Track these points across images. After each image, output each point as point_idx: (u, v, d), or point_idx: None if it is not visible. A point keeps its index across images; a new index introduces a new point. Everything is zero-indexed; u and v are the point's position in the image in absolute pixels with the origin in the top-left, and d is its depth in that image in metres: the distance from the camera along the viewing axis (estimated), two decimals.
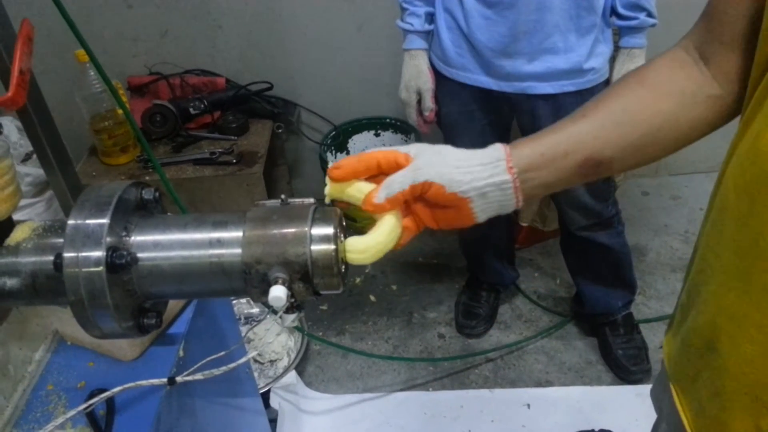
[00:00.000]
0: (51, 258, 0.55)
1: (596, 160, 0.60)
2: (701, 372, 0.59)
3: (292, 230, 0.54)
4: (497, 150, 0.59)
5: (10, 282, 0.58)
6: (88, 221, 0.54)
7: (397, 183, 0.58)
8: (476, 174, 0.57)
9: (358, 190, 0.60)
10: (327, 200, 0.61)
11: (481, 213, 0.59)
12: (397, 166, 0.59)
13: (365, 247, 0.57)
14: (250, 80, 2.12)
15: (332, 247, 0.54)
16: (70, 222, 0.54)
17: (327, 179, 0.61)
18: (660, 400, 0.75)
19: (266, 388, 1.64)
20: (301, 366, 1.84)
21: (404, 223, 0.61)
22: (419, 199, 0.60)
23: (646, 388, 1.70)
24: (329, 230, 0.54)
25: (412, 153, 0.59)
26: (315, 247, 0.54)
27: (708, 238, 0.58)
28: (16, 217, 0.62)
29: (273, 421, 1.57)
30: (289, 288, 0.53)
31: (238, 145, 1.96)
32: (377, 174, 0.60)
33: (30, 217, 0.62)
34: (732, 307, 0.53)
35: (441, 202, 0.58)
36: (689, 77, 0.61)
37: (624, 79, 0.64)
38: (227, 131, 2.00)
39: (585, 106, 0.62)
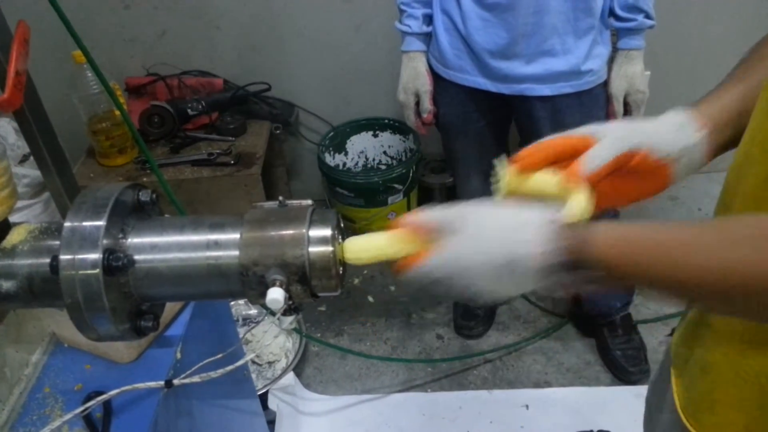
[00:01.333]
0: (47, 260, 0.55)
1: None
2: (694, 350, 0.61)
3: (290, 232, 0.54)
4: (681, 114, 0.60)
5: (7, 284, 0.57)
6: (84, 223, 0.54)
7: (602, 155, 0.57)
8: (674, 137, 0.58)
9: (543, 181, 0.59)
10: (501, 194, 0.60)
11: (678, 176, 0.60)
12: (573, 151, 0.59)
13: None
14: (248, 81, 2.11)
15: (330, 249, 0.54)
16: (67, 224, 0.54)
17: (502, 173, 0.59)
18: (661, 390, 0.76)
19: (264, 390, 1.64)
20: (299, 367, 1.84)
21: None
22: (614, 172, 0.59)
23: (644, 389, 1.69)
24: (327, 232, 0.54)
25: (591, 133, 0.59)
26: (313, 249, 0.54)
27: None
28: (12, 219, 0.61)
29: (271, 423, 1.57)
30: (287, 290, 0.53)
31: (236, 146, 1.96)
32: (554, 162, 0.60)
33: (27, 219, 0.62)
34: None
35: (645, 168, 0.59)
36: None
37: (759, 44, 0.63)
38: (225, 132, 2.00)
39: (738, 68, 0.62)
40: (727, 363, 0.56)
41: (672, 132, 0.58)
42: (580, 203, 0.56)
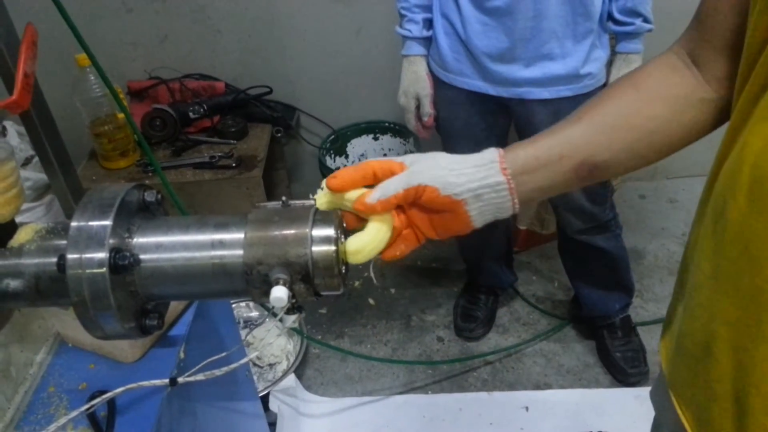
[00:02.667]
0: (54, 259, 0.56)
1: (591, 163, 0.60)
2: (698, 376, 0.59)
3: (293, 231, 0.55)
4: (491, 153, 0.59)
5: (14, 283, 0.58)
6: (91, 223, 0.54)
7: (392, 186, 0.58)
8: (470, 176, 0.58)
9: (351, 199, 0.60)
10: (320, 207, 0.61)
11: (478, 216, 0.59)
12: (392, 175, 0.59)
13: (357, 248, 0.58)
14: (249, 84, 2.13)
15: (333, 248, 0.55)
16: (74, 224, 0.54)
17: (321, 189, 0.61)
18: (660, 403, 0.75)
19: (265, 392, 1.64)
20: (300, 369, 1.85)
21: (404, 234, 0.62)
22: (416, 206, 0.60)
23: (644, 391, 1.71)
24: (330, 232, 0.55)
25: (407, 161, 0.60)
26: (316, 249, 0.54)
27: (701, 242, 0.58)
28: (16, 220, 0.62)
29: (272, 425, 1.58)
30: (290, 289, 0.54)
31: (237, 149, 1.97)
32: (373, 183, 0.60)
33: (30, 222, 0.63)
34: (725, 313, 0.53)
35: (436, 206, 0.59)
36: (681, 81, 0.61)
37: (617, 83, 0.64)
38: (227, 135, 2.01)
39: (579, 109, 0.63)
40: (737, 396, 0.53)
41: (469, 170, 0.58)
42: (372, 234, 0.58)
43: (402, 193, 0.58)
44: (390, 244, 0.61)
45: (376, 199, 0.58)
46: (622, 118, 0.61)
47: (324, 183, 0.61)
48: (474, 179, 0.58)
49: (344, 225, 0.59)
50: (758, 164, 0.48)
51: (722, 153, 0.54)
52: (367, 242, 0.58)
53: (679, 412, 0.64)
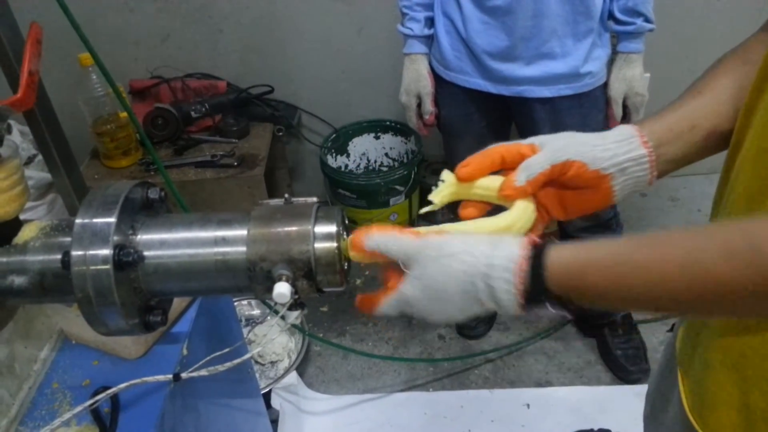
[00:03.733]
0: (59, 256, 0.56)
1: (719, 132, 0.61)
2: (697, 348, 0.61)
3: (296, 228, 0.55)
4: (628, 128, 0.60)
5: (18, 280, 0.59)
6: (95, 220, 0.55)
7: (538, 164, 0.58)
8: (615, 150, 0.58)
9: (486, 187, 0.60)
10: (440, 202, 0.60)
11: (620, 191, 0.60)
12: (521, 158, 0.59)
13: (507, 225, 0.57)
14: (250, 83, 2.13)
15: (335, 244, 0.55)
16: (78, 221, 0.55)
17: (445, 179, 0.60)
18: (667, 388, 0.76)
19: (267, 389, 1.65)
20: (301, 367, 1.85)
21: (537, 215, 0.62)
22: (554, 183, 0.60)
23: (644, 388, 1.70)
24: (332, 228, 0.56)
25: (538, 142, 0.60)
26: (318, 245, 0.55)
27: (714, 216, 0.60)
28: None
29: (274, 422, 1.58)
30: (293, 285, 0.55)
31: (239, 147, 1.97)
32: (501, 168, 0.61)
33: (33, 219, 0.63)
34: None
35: (581, 182, 0.59)
36: None
37: (726, 58, 0.65)
38: (228, 134, 2.01)
39: (696, 83, 0.64)
40: (728, 361, 0.56)
41: (612, 145, 0.59)
42: (520, 213, 0.58)
43: (549, 169, 0.58)
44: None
45: (524, 179, 0.58)
46: (739, 90, 0.61)
47: (444, 176, 0.60)
48: (619, 153, 0.58)
49: (346, 222, 0.60)
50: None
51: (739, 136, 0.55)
52: (517, 220, 0.57)
53: (680, 386, 0.65)
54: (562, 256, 0.50)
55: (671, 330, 0.75)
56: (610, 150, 0.58)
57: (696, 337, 0.61)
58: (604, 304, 0.50)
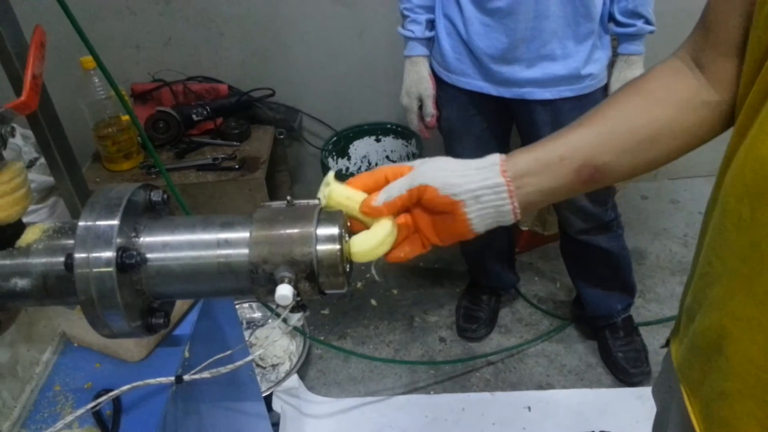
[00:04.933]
0: (62, 259, 0.56)
1: (593, 165, 0.60)
2: (708, 374, 0.59)
3: (298, 230, 0.55)
4: (492, 157, 0.60)
5: (21, 283, 0.59)
6: (98, 222, 0.55)
7: (396, 188, 0.59)
8: (470, 177, 0.58)
9: (350, 199, 0.60)
10: (323, 203, 0.61)
11: (478, 220, 0.59)
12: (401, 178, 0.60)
13: (361, 249, 0.59)
14: (252, 87, 2.13)
15: (337, 247, 0.55)
16: (81, 223, 0.55)
17: (324, 186, 0.61)
18: (665, 400, 0.75)
19: (268, 392, 1.65)
20: (303, 370, 1.85)
21: (411, 238, 0.62)
22: (419, 207, 0.60)
23: (646, 390, 1.71)
24: (334, 230, 0.56)
25: (416, 164, 0.61)
26: (320, 247, 0.55)
27: (711, 242, 0.58)
28: None
29: (275, 425, 1.59)
30: (295, 287, 0.55)
31: (240, 150, 1.98)
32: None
33: (36, 221, 0.63)
34: (737, 310, 0.53)
35: (437, 206, 0.59)
36: (685, 84, 0.61)
37: (621, 90, 0.65)
38: (230, 137, 2.01)
39: (582, 116, 0.63)
40: (748, 393, 0.54)
41: (471, 172, 0.58)
42: (377, 230, 0.59)
43: (406, 194, 0.58)
44: (395, 246, 0.61)
45: (382, 201, 0.59)
46: (624, 121, 0.61)
47: (329, 177, 0.61)
48: (473, 180, 0.58)
49: (348, 224, 0.60)
50: (765, 162, 0.48)
51: (730, 151, 0.55)
52: (372, 242, 0.59)
53: (688, 406, 0.64)
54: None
55: (666, 345, 0.75)
56: (466, 177, 0.58)
57: (706, 362, 0.59)
58: None
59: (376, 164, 2.42)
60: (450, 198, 0.58)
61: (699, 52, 0.62)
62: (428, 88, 1.55)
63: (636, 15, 1.39)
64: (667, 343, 0.75)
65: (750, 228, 0.50)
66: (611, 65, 1.49)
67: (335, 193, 0.61)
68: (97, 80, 1.74)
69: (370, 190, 0.61)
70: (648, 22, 1.40)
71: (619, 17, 1.40)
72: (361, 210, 0.60)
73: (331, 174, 0.62)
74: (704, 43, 0.61)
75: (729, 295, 0.55)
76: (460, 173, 0.59)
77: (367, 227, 0.61)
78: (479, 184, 0.58)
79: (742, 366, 0.54)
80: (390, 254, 0.61)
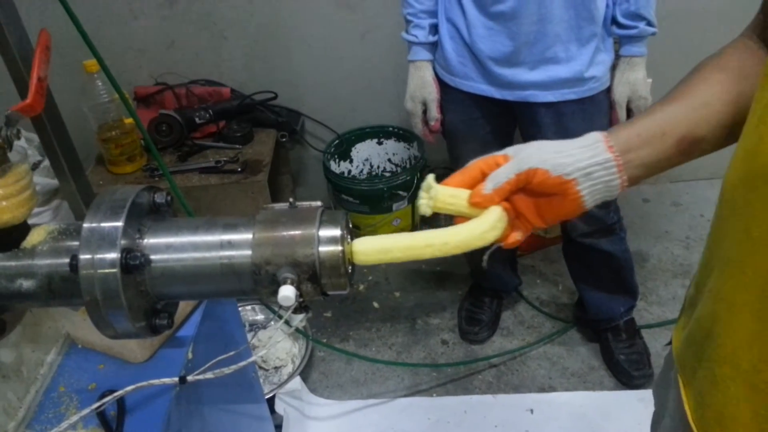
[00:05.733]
0: (67, 260, 0.57)
1: (692, 138, 0.62)
2: (702, 361, 0.60)
3: (301, 232, 0.56)
4: (593, 135, 0.61)
5: (27, 284, 0.59)
6: (103, 224, 0.55)
7: (503, 174, 0.60)
8: (578, 156, 0.59)
9: (454, 197, 0.61)
10: (427, 213, 0.62)
11: (589, 197, 0.60)
12: (497, 167, 0.61)
13: (474, 234, 0.59)
14: (254, 90, 2.14)
15: (339, 248, 0.56)
16: (86, 225, 0.55)
17: (423, 194, 0.62)
18: (663, 395, 0.76)
19: (271, 394, 1.65)
20: (305, 372, 1.86)
21: (516, 224, 0.63)
22: (525, 192, 0.61)
23: (648, 393, 1.70)
24: (336, 232, 0.56)
25: (510, 152, 0.62)
26: (323, 249, 0.55)
27: (712, 231, 0.60)
28: None
29: (278, 427, 1.59)
30: (298, 288, 0.55)
31: (242, 153, 1.98)
32: (482, 181, 0.62)
33: (41, 223, 0.64)
34: (729, 295, 0.55)
35: (547, 189, 0.60)
36: (760, 60, 0.63)
37: (701, 67, 0.66)
38: (232, 140, 2.02)
39: (671, 91, 0.64)
40: (739, 378, 0.55)
41: (576, 151, 0.59)
42: (489, 216, 0.59)
43: (514, 178, 0.59)
44: (504, 234, 0.62)
45: (491, 188, 0.59)
46: (714, 96, 0.62)
47: (429, 180, 0.62)
48: (582, 158, 0.59)
49: (350, 226, 0.60)
50: (757, 150, 0.49)
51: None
52: (485, 226, 0.59)
53: (683, 396, 0.65)
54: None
55: (670, 343, 0.75)
56: (574, 155, 0.59)
57: (700, 349, 0.61)
58: None
59: (378, 167, 2.42)
60: (562, 178, 0.59)
61: (762, 33, 0.63)
62: (432, 93, 1.56)
63: (638, 17, 1.39)
64: (671, 342, 0.75)
65: (742, 214, 0.52)
66: (614, 68, 1.49)
67: (440, 193, 0.61)
68: (100, 83, 1.75)
69: (469, 187, 0.62)
70: (650, 23, 1.40)
71: (621, 19, 1.41)
72: (471, 202, 0.60)
73: (430, 177, 0.62)
74: (765, 25, 0.63)
75: (723, 281, 0.56)
76: (567, 153, 0.59)
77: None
78: (589, 162, 0.59)
79: (733, 351, 0.55)
80: (506, 240, 0.62)
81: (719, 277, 0.57)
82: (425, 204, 0.62)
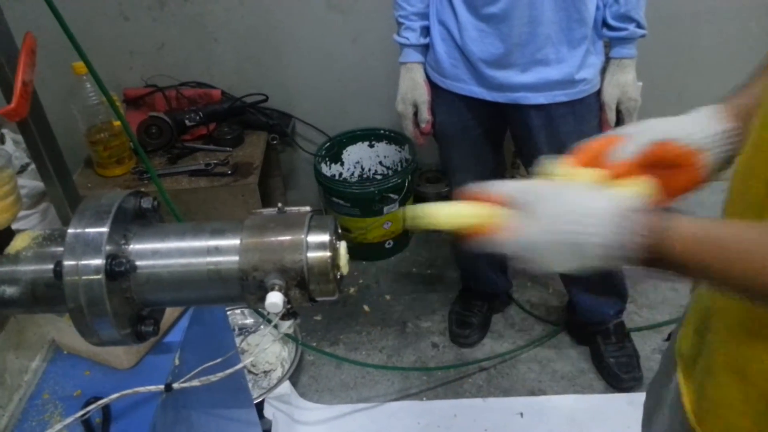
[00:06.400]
0: (51, 266, 0.56)
1: None
2: (700, 351, 0.61)
3: (289, 238, 0.55)
4: (709, 108, 0.61)
5: (10, 290, 0.58)
6: (87, 230, 0.55)
7: (632, 144, 0.60)
8: (702, 125, 0.60)
9: (587, 176, 0.60)
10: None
11: (711, 167, 0.60)
12: (617, 144, 0.61)
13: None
14: (245, 92, 2.14)
15: (328, 254, 0.55)
16: (70, 231, 0.55)
17: (555, 168, 0.62)
18: (661, 391, 0.76)
19: (260, 399, 1.64)
20: (295, 376, 1.85)
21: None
22: (642, 168, 0.61)
23: (638, 396, 1.71)
24: (325, 237, 0.56)
25: (630, 130, 0.62)
26: (311, 254, 0.55)
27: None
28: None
29: None
30: (286, 294, 0.55)
31: (233, 156, 1.97)
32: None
33: (25, 229, 0.63)
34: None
35: (675, 159, 0.60)
36: None
37: None
38: (222, 143, 2.01)
39: (758, 70, 0.64)
40: (730, 366, 0.56)
41: (700, 122, 0.60)
42: (642, 188, 0.59)
43: (641, 152, 0.59)
44: None
45: (619, 157, 0.60)
46: None
47: (554, 163, 0.62)
48: (707, 129, 0.59)
49: (339, 231, 0.60)
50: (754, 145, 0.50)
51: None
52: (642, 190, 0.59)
53: (682, 387, 0.65)
54: (686, 231, 0.50)
55: (668, 339, 0.76)
56: (698, 127, 0.60)
57: (701, 341, 0.61)
58: (707, 281, 0.53)
59: (369, 170, 2.42)
60: (690, 148, 0.59)
61: None
62: (423, 95, 1.56)
63: (628, 19, 1.40)
64: (668, 337, 0.76)
65: (740, 202, 0.52)
66: (604, 70, 1.49)
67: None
68: (89, 85, 1.74)
69: (591, 163, 0.61)
70: (639, 25, 1.41)
71: (611, 21, 1.41)
72: (615, 172, 0.59)
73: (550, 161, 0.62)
74: None
75: None
76: (690, 123, 0.60)
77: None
78: (714, 131, 0.59)
79: (725, 340, 0.56)
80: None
81: None
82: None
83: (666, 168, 0.61)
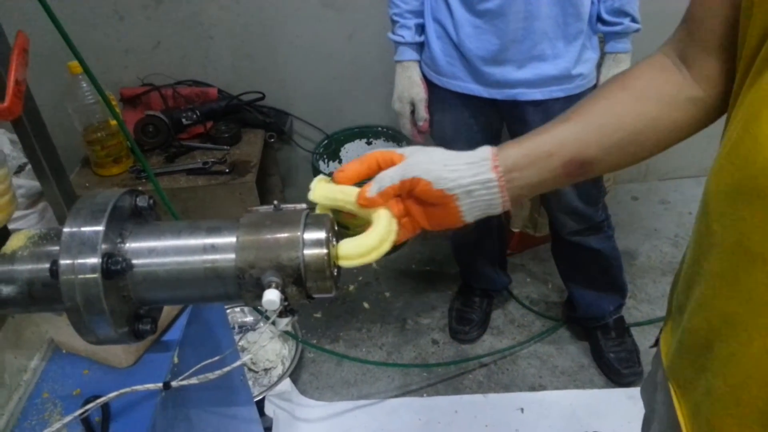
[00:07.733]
0: (47, 265, 0.56)
1: (580, 160, 0.61)
2: (699, 373, 0.59)
3: (285, 235, 0.55)
4: (483, 150, 0.61)
5: (6, 290, 0.58)
6: (83, 228, 0.54)
7: (388, 178, 0.60)
8: (462, 172, 0.59)
9: (344, 193, 0.62)
10: (316, 201, 0.63)
11: (468, 212, 0.61)
12: (393, 165, 0.61)
13: (362, 250, 0.59)
14: (242, 90, 2.13)
15: (324, 251, 0.55)
16: (66, 229, 0.54)
17: (314, 185, 0.63)
18: (651, 399, 0.76)
19: (261, 396, 1.64)
20: (295, 374, 1.85)
21: (403, 222, 0.63)
22: (411, 197, 0.62)
23: (637, 391, 1.71)
24: (321, 234, 0.55)
25: (406, 153, 0.62)
26: (307, 252, 0.55)
27: (696, 240, 0.59)
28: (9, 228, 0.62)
29: (268, 429, 1.58)
30: (283, 292, 0.54)
31: (230, 154, 1.97)
32: (376, 174, 0.62)
33: (22, 228, 0.63)
34: (724, 308, 0.53)
35: (429, 199, 0.60)
36: (669, 80, 0.62)
37: (607, 84, 0.65)
38: (220, 141, 2.01)
39: (569, 110, 0.64)
40: (732, 392, 0.54)
41: (462, 167, 0.59)
42: (384, 225, 0.60)
43: (398, 184, 0.60)
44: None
45: (375, 191, 0.60)
46: (611, 117, 0.62)
47: (316, 181, 0.63)
48: (466, 175, 0.59)
49: (336, 228, 0.60)
50: (748, 160, 0.48)
51: (719, 151, 0.55)
52: (384, 234, 0.60)
53: (676, 405, 0.64)
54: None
55: (655, 344, 0.75)
56: (458, 171, 0.59)
57: (698, 361, 0.59)
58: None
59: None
60: (443, 192, 0.59)
61: (684, 49, 0.62)
62: (420, 93, 1.55)
63: (622, 13, 1.40)
64: (656, 343, 0.75)
65: (732, 226, 0.50)
66: (599, 66, 1.49)
67: (321, 188, 0.62)
68: (85, 85, 1.74)
69: (363, 176, 0.62)
70: (634, 20, 1.41)
71: (605, 16, 1.41)
72: (358, 202, 0.61)
73: (321, 176, 0.63)
74: (689, 39, 0.62)
75: (714, 293, 0.55)
76: (453, 167, 0.59)
77: (361, 222, 0.62)
78: (471, 180, 0.59)
79: (728, 364, 0.54)
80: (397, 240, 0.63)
81: (710, 289, 0.55)
82: (317, 194, 0.63)
83: (427, 203, 0.61)
